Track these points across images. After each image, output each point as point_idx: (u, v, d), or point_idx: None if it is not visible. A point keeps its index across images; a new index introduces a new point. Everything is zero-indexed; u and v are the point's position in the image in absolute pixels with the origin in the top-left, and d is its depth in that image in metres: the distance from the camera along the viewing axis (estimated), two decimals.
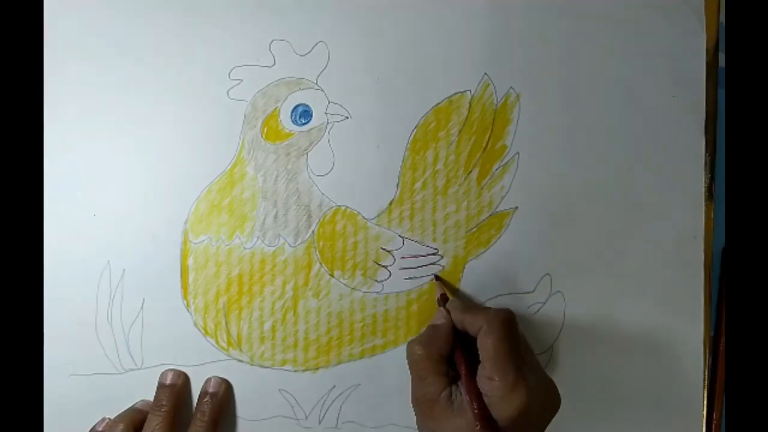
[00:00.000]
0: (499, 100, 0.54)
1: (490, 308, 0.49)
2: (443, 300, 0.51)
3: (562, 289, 0.53)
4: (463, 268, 0.54)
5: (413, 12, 0.54)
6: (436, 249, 0.54)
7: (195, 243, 0.53)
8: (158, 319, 0.53)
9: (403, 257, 0.53)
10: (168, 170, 0.54)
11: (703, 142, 0.54)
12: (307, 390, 0.54)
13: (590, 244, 0.54)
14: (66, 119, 0.54)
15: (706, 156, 0.54)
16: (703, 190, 0.54)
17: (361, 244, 0.53)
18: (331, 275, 0.53)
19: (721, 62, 0.54)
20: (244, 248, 0.53)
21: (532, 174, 0.54)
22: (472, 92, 0.54)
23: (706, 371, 0.54)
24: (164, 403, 0.52)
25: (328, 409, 0.54)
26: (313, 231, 0.53)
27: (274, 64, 0.53)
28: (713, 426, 0.55)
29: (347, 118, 0.53)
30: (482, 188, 0.54)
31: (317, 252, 0.53)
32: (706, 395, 0.54)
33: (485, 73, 0.54)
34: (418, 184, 0.53)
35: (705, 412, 0.54)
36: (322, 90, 0.53)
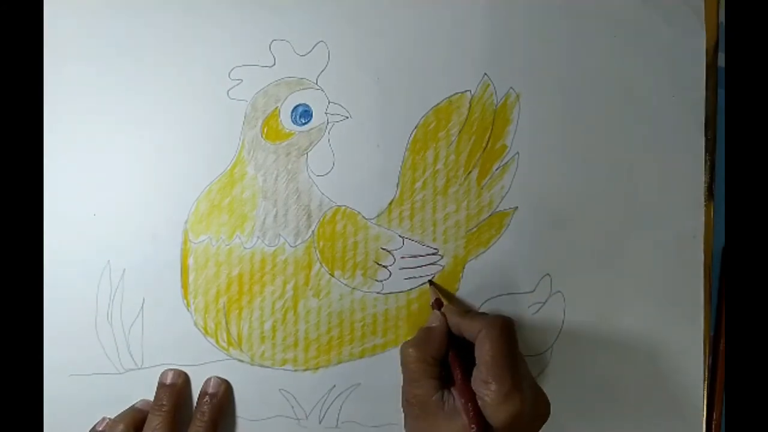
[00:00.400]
0: (499, 100, 0.54)
1: (487, 314, 0.50)
2: (438, 304, 0.51)
3: (562, 289, 0.53)
4: (463, 268, 0.54)
5: (413, 12, 0.54)
6: (436, 249, 0.54)
7: (195, 243, 0.53)
8: (158, 319, 0.53)
9: (403, 257, 0.53)
10: (168, 170, 0.54)
11: (703, 142, 0.54)
12: (307, 390, 0.54)
13: (590, 244, 0.54)
14: (66, 119, 0.54)
15: (706, 156, 0.54)
16: (703, 189, 0.54)
17: (361, 244, 0.53)
18: (332, 275, 0.53)
19: (721, 62, 0.54)
20: (245, 248, 0.53)
21: (532, 174, 0.54)
22: (472, 92, 0.54)
23: (706, 371, 0.54)
24: (164, 402, 0.52)
25: (328, 408, 0.54)
26: (313, 231, 0.53)
27: (275, 64, 0.53)
28: (713, 426, 0.55)
29: (347, 118, 0.53)
30: (482, 188, 0.54)
31: (317, 252, 0.53)
32: (706, 395, 0.54)
33: (485, 74, 0.54)
34: (418, 184, 0.53)
35: (705, 412, 0.54)
36: (322, 90, 0.53)
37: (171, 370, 0.53)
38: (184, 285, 0.54)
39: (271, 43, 0.53)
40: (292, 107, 0.53)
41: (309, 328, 0.54)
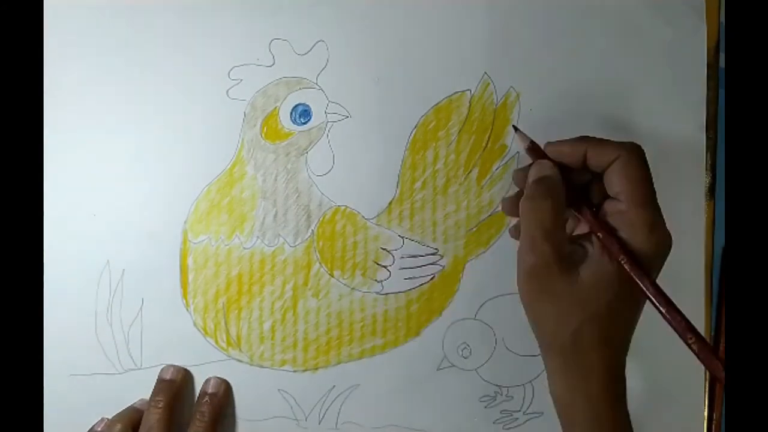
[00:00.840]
0: (499, 99, 0.54)
1: (614, 141, 0.44)
2: (534, 149, 0.47)
3: None
4: (463, 267, 0.54)
5: (413, 12, 0.54)
6: (436, 249, 0.54)
7: (194, 243, 0.53)
8: (158, 319, 0.54)
9: (402, 257, 0.53)
10: (168, 170, 0.54)
11: (704, 142, 0.54)
12: (307, 390, 0.54)
13: None
14: (66, 119, 0.54)
15: (706, 155, 0.54)
16: (704, 189, 0.54)
17: (361, 244, 0.53)
18: (331, 275, 0.53)
19: (721, 62, 0.54)
20: (244, 248, 0.53)
21: None
22: (472, 92, 0.54)
23: (706, 371, 0.54)
24: (160, 398, 0.52)
25: (327, 409, 0.54)
26: (312, 231, 0.53)
27: (274, 63, 0.53)
28: (713, 426, 0.55)
29: (347, 117, 0.53)
30: (482, 188, 0.54)
31: (317, 252, 0.53)
32: (706, 395, 0.54)
33: (485, 73, 0.54)
34: (418, 184, 0.53)
35: (705, 412, 0.54)
36: (321, 89, 0.53)
37: (171, 366, 0.53)
38: (184, 285, 0.54)
39: (270, 42, 0.53)
40: (291, 107, 0.53)
41: (308, 328, 0.54)
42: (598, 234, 0.43)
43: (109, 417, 0.52)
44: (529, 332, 0.50)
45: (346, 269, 0.53)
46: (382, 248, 0.53)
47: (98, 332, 0.54)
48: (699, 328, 0.53)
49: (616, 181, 0.43)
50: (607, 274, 0.42)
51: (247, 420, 0.54)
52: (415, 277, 0.54)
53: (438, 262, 0.54)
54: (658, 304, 0.41)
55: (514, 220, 0.51)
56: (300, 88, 0.53)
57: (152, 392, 0.53)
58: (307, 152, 0.53)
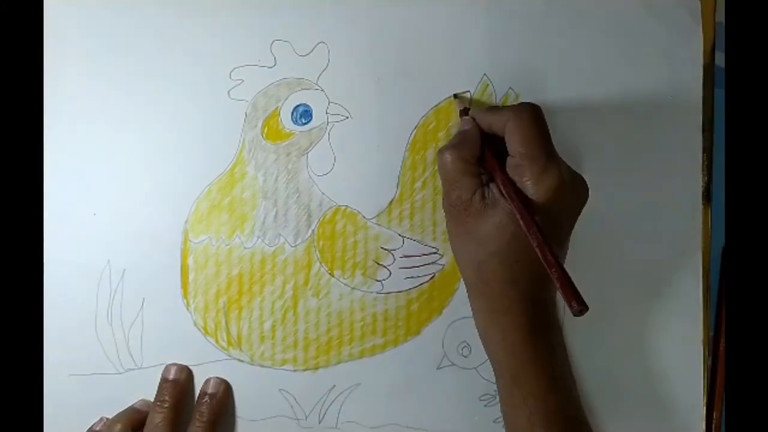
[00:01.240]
0: (498, 100, 0.54)
1: (513, 105, 0.50)
2: (465, 112, 0.52)
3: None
4: None
5: (413, 12, 0.54)
6: (436, 248, 0.54)
7: (195, 242, 0.53)
8: (158, 319, 0.53)
9: (403, 257, 0.53)
10: (168, 170, 0.54)
11: (701, 142, 0.54)
12: (307, 390, 0.54)
13: (589, 244, 0.54)
14: (66, 119, 0.53)
15: (703, 156, 0.54)
16: (701, 190, 0.54)
17: (361, 243, 0.53)
18: (331, 275, 0.53)
19: (721, 62, 0.54)
20: (244, 248, 0.53)
21: None
22: (472, 92, 0.54)
23: (706, 371, 0.54)
24: (167, 398, 0.52)
25: (327, 408, 0.54)
26: (313, 230, 0.53)
27: (275, 64, 0.53)
28: (713, 426, 0.55)
29: (347, 118, 0.53)
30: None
31: (317, 251, 0.53)
32: (706, 395, 0.54)
33: (484, 74, 0.54)
34: (418, 184, 0.54)
35: (705, 412, 0.54)
36: (322, 90, 0.53)
37: (174, 365, 0.53)
38: (184, 285, 0.54)
39: (271, 43, 0.53)
40: (292, 107, 0.53)
41: (309, 327, 0.54)
42: (503, 186, 0.47)
43: (109, 417, 0.52)
44: None
45: (346, 269, 0.54)
46: (382, 248, 0.53)
47: (98, 332, 0.53)
48: (698, 328, 0.54)
49: (509, 140, 0.47)
50: (504, 217, 0.45)
51: (247, 419, 0.54)
52: (415, 277, 0.54)
53: (438, 262, 0.54)
54: (531, 237, 0.44)
55: None
56: (301, 89, 0.53)
57: (157, 392, 0.53)
58: (307, 152, 0.54)
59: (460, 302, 0.53)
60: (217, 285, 0.53)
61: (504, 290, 0.47)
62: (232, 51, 0.53)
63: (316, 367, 0.54)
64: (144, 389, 0.53)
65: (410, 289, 0.54)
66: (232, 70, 0.53)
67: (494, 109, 0.50)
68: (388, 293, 0.54)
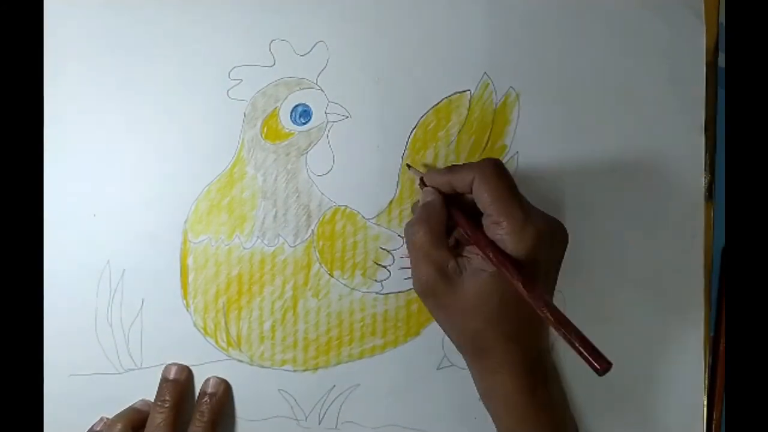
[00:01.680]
0: (498, 99, 0.54)
1: (473, 162, 0.49)
2: (423, 183, 0.50)
3: (561, 289, 0.53)
4: None
5: (413, 12, 0.54)
6: None
7: (195, 243, 0.53)
8: (158, 319, 0.54)
9: (402, 257, 0.53)
10: (168, 170, 0.54)
11: (703, 142, 0.54)
12: (307, 390, 0.54)
13: (590, 244, 0.54)
14: (66, 119, 0.53)
15: (705, 156, 0.54)
16: (703, 190, 0.54)
17: (361, 243, 0.53)
18: (331, 275, 0.53)
19: (721, 63, 0.54)
20: (244, 248, 0.53)
21: (532, 173, 0.54)
22: (472, 92, 0.54)
23: (706, 371, 0.54)
24: (167, 398, 0.52)
25: (327, 409, 0.54)
26: (312, 231, 0.53)
27: (274, 64, 0.53)
28: (713, 426, 0.55)
29: (347, 117, 0.53)
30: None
31: (317, 252, 0.53)
32: (706, 395, 0.54)
33: (485, 73, 0.54)
34: (418, 184, 0.53)
35: (705, 412, 0.54)
36: (321, 90, 0.53)
37: (174, 364, 0.53)
38: (184, 285, 0.54)
39: (270, 43, 0.53)
40: (291, 107, 0.53)
41: (308, 328, 0.54)
42: (481, 248, 0.45)
43: (109, 417, 0.53)
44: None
45: (346, 269, 0.53)
46: (381, 248, 0.53)
47: (98, 332, 0.54)
48: (699, 328, 0.54)
49: (478, 199, 0.46)
50: (489, 281, 0.44)
51: (247, 420, 0.54)
52: None
53: None
54: (535, 304, 0.42)
55: None
56: (300, 89, 0.53)
57: (157, 392, 0.53)
58: (307, 152, 0.54)
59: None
60: (216, 285, 0.53)
61: (505, 352, 0.46)
62: (231, 51, 0.53)
63: (316, 368, 0.54)
64: (144, 389, 0.53)
65: (410, 289, 0.54)
66: (231, 70, 0.53)
67: (454, 168, 0.48)
68: (388, 294, 0.54)
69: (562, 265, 0.50)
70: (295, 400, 0.54)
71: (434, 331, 0.53)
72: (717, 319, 0.56)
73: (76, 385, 0.54)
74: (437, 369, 0.54)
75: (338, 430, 0.54)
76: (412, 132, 0.54)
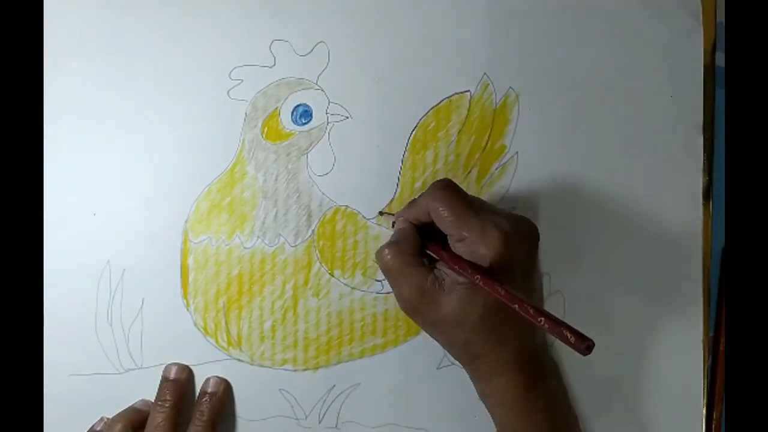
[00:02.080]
0: (498, 100, 0.54)
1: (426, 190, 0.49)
2: (393, 223, 0.51)
3: (561, 289, 0.53)
4: None
5: (413, 12, 0.54)
6: None
7: (195, 243, 0.53)
8: (158, 319, 0.54)
9: None
10: (168, 170, 0.54)
11: (701, 142, 0.54)
12: (307, 390, 0.54)
13: (589, 244, 0.54)
14: (66, 119, 0.53)
15: (703, 156, 0.54)
16: (701, 190, 0.54)
17: (361, 243, 0.53)
18: (331, 275, 0.53)
19: (721, 62, 0.54)
20: (244, 248, 0.53)
21: (531, 174, 0.54)
22: (472, 92, 0.54)
23: (706, 371, 0.54)
24: (168, 398, 0.52)
25: (327, 408, 0.54)
26: (313, 230, 0.53)
27: (275, 64, 0.53)
28: (713, 426, 0.55)
29: (347, 118, 0.54)
30: (481, 188, 0.54)
31: (317, 251, 0.53)
32: (706, 395, 0.54)
33: (485, 73, 0.54)
34: (418, 184, 0.54)
35: (705, 412, 0.54)
36: (322, 90, 0.53)
37: (175, 364, 0.53)
38: (184, 285, 0.54)
39: (271, 43, 0.53)
40: (292, 107, 0.53)
41: (309, 327, 0.54)
42: (448, 262, 0.46)
43: (109, 417, 0.52)
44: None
45: (346, 269, 0.54)
46: None
47: (98, 332, 0.54)
48: (698, 328, 0.54)
49: (437, 220, 0.46)
50: (468, 292, 0.45)
51: (247, 420, 0.54)
52: None
53: None
54: (507, 302, 0.42)
55: None
56: (301, 89, 0.53)
57: (158, 392, 0.53)
58: (307, 152, 0.54)
59: None
60: (216, 285, 0.53)
61: (495, 356, 0.47)
62: (231, 51, 0.53)
63: (316, 367, 0.54)
64: (144, 389, 0.53)
65: None
66: (232, 70, 0.53)
67: (412, 201, 0.49)
68: (388, 293, 0.53)
69: (562, 264, 0.50)
70: (296, 400, 0.54)
71: None
72: (717, 319, 0.56)
73: (76, 385, 0.53)
74: (437, 368, 0.54)
75: (338, 430, 0.54)
76: (412, 132, 0.54)
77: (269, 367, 0.54)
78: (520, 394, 0.47)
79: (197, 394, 0.53)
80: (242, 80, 0.53)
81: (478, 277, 0.43)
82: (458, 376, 0.53)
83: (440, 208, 0.46)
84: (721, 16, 0.54)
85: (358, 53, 0.54)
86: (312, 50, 0.53)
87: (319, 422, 0.54)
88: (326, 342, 0.54)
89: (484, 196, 0.54)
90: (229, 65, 0.53)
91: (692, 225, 0.54)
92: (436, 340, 0.49)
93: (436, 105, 0.54)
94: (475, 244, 0.44)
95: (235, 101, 0.53)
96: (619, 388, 0.54)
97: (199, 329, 0.54)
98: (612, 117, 0.54)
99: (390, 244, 0.48)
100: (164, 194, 0.54)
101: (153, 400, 0.53)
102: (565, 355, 0.53)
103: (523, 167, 0.54)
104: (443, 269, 0.47)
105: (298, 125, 0.53)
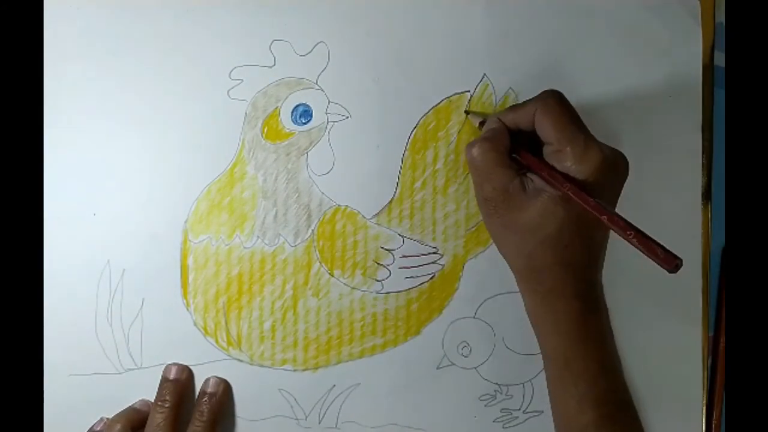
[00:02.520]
0: (498, 100, 0.54)
1: (534, 97, 0.49)
2: (482, 124, 0.51)
3: None
4: (463, 267, 0.54)
5: (413, 12, 0.54)
6: (435, 248, 0.54)
7: (195, 242, 0.53)
8: (158, 319, 0.54)
9: (402, 256, 0.54)
10: (168, 170, 0.54)
11: (700, 143, 0.54)
12: (307, 390, 0.54)
13: None
14: (66, 119, 0.53)
15: (702, 157, 0.54)
16: (701, 190, 0.54)
17: (361, 243, 0.53)
18: (331, 274, 0.54)
19: (721, 62, 0.54)
20: (244, 248, 0.53)
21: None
22: (472, 92, 0.54)
23: (706, 371, 0.54)
24: (168, 398, 0.52)
25: (327, 408, 0.54)
26: (312, 230, 0.53)
27: (275, 64, 0.53)
28: (713, 426, 0.55)
29: (347, 117, 0.54)
30: (474, 194, 0.54)
31: (317, 251, 0.53)
32: (706, 395, 0.54)
33: (484, 74, 0.54)
34: (418, 184, 0.54)
35: (705, 412, 0.54)
36: (322, 90, 0.53)
37: (175, 364, 0.53)
38: (184, 285, 0.54)
39: (271, 43, 0.53)
40: (292, 107, 0.53)
41: (308, 327, 0.54)
42: (539, 171, 0.46)
43: (109, 417, 0.52)
44: (529, 331, 0.50)
45: (346, 268, 0.54)
46: (382, 247, 0.54)
47: (98, 332, 0.54)
48: (698, 328, 0.54)
49: (541, 129, 0.47)
50: (551, 203, 0.45)
51: (247, 419, 0.54)
52: (415, 276, 0.54)
53: (438, 261, 0.54)
54: (597, 213, 0.43)
55: None
56: (300, 89, 0.53)
57: (158, 392, 0.53)
58: (307, 152, 0.54)
59: (460, 302, 0.54)
60: (216, 285, 0.53)
61: (557, 275, 0.46)
62: (231, 51, 0.53)
63: (316, 367, 0.54)
64: (144, 389, 0.53)
65: (410, 288, 0.54)
66: (232, 70, 0.53)
67: (516, 106, 0.49)
68: (388, 293, 0.54)
69: None
70: (296, 400, 0.54)
71: (434, 330, 0.54)
72: (717, 318, 0.56)
73: (76, 385, 0.53)
74: (437, 368, 0.54)
75: (338, 430, 0.54)
76: (412, 132, 0.54)
77: (269, 367, 0.54)
78: (576, 320, 0.46)
79: (197, 394, 0.53)
80: (242, 80, 0.53)
81: (569, 185, 0.44)
82: (458, 376, 0.54)
83: (548, 115, 0.46)
84: (721, 16, 0.54)
85: (358, 53, 0.54)
86: (312, 50, 0.53)
87: (319, 422, 0.54)
88: (326, 342, 0.54)
89: None
90: (229, 65, 0.53)
91: (692, 225, 0.54)
92: (500, 245, 0.49)
93: (436, 105, 0.54)
94: (574, 158, 0.45)
95: (235, 101, 0.53)
96: None
97: (199, 329, 0.54)
98: (610, 117, 0.54)
99: (480, 140, 0.48)
100: (164, 194, 0.54)
101: (153, 400, 0.53)
102: None
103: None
104: (530, 176, 0.47)
105: (298, 125, 0.53)
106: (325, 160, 0.54)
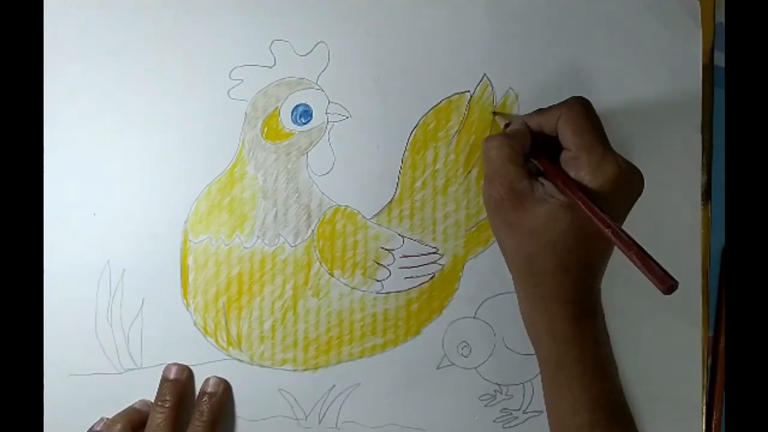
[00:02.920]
0: (498, 100, 0.54)
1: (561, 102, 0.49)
2: (507, 126, 0.51)
3: None
4: (463, 267, 0.54)
5: (413, 12, 0.54)
6: (435, 248, 0.54)
7: (195, 242, 0.53)
8: (158, 319, 0.54)
9: (402, 256, 0.54)
10: (168, 170, 0.54)
11: (700, 143, 0.54)
12: (307, 390, 0.54)
13: None
14: (66, 119, 0.53)
15: (702, 156, 0.54)
16: (700, 190, 0.54)
17: (361, 243, 0.53)
18: (331, 274, 0.54)
19: (721, 62, 0.54)
20: (244, 248, 0.53)
21: None
22: (471, 93, 0.54)
23: (706, 371, 0.54)
24: (168, 398, 0.52)
25: (327, 408, 0.54)
26: (312, 230, 0.53)
27: (275, 64, 0.53)
28: (713, 426, 0.55)
29: (347, 118, 0.54)
30: (481, 187, 0.54)
31: (317, 251, 0.53)
32: (706, 395, 0.54)
33: (484, 74, 0.54)
34: (418, 184, 0.54)
35: (705, 412, 0.54)
36: (322, 90, 0.53)
37: (175, 364, 0.53)
38: (184, 285, 0.54)
39: (271, 43, 0.53)
40: (292, 107, 0.53)
41: (308, 327, 0.54)
42: (553, 179, 0.47)
43: (109, 417, 0.52)
44: None
45: (346, 269, 0.54)
46: (382, 247, 0.54)
47: (98, 332, 0.54)
48: (698, 328, 0.54)
49: (562, 135, 0.47)
50: (557, 209, 0.45)
51: (247, 419, 0.54)
52: (415, 276, 0.54)
53: (438, 261, 0.54)
54: (602, 226, 0.43)
55: None
56: (301, 89, 0.53)
57: (158, 392, 0.53)
58: (307, 152, 0.54)
59: (460, 302, 0.54)
60: (216, 285, 0.53)
61: (555, 279, 0.46)
62: (231, 51, 0.53)
63: (316, 367, 0.54)
64: (144, 389, 0.53)
65: (410, 288, 0.54)
66: (232, 70, 0.53)
67: (542, 109, 0.49)
68: (388, 293, 0.54)
69: None
70: (296, 400, 0.54)
71: (434, 330, 0.54)
72: (717, 318, 0.56)
73: (76, 385, 0.53)
74: (437, 368, 0.54)
75: (338, 430, 0.54)
76: (412, 132, 0.54)
77: (269, 367, 0.54)
78: (570, 324, 0.46)
79: (197, 394, 0.53)
80: (242, 80, 0.53)
81: (580, 194, 0.44)
82: (458, 376, 0.54)
83: (571, 121, 0.46)
84: (721, 17, 0.54)
85: (358, 53, 0.54)
86: (312, 50, 0.53)
87: (319, 422, 0.54)
88: (326, 342, 0.54)
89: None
90: (229, 65, 0.53)
91: (692, 225, 0.54)
92: (502, 244, 0.49)
93: (436, 105, 0.54)
94: (590, 167, 0.45)
95: (235, 101, 0.53)
96: None
97: (198, 329, 0.54)
98: (611, 117, 0.54)
99: (500, 135, 0.48)
100: (164, 194, 0.54)
101: (153, 400, 0.53)
102: None
103: None
104: (541, 180, 0.47)
105: (298, 125, 0.53)
106: (325, 160, 0.54)
